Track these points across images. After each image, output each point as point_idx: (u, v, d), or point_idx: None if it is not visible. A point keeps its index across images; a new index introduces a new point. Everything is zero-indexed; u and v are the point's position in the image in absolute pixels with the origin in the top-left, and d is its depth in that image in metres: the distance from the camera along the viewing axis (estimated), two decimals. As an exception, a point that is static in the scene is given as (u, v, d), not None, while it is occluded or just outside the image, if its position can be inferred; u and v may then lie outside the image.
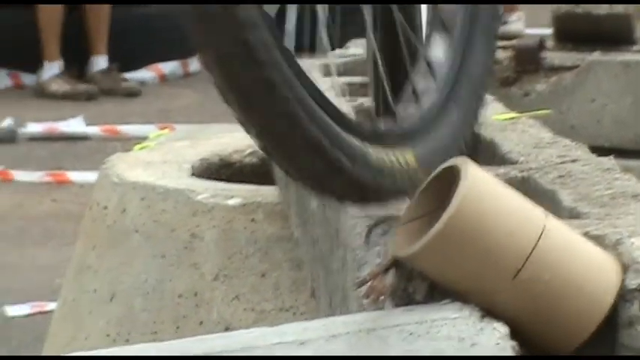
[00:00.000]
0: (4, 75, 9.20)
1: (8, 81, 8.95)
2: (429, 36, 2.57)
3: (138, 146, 3.86)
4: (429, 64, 2.45)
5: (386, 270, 1.88)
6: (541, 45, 5.62)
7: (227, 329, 2.91)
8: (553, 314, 1.89)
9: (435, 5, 2.59)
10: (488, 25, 2.55)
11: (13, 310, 4.70)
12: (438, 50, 2.56)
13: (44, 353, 3.49)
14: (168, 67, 9.65)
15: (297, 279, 3.02)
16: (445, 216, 1.81)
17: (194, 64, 9.59)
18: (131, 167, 3.51)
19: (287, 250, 3.08)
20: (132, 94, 9.09)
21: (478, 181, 1.87)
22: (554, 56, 5.73)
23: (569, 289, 1.87)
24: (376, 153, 2.08)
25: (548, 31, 5.97)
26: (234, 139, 3.65)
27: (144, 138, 4.63)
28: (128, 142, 5.24)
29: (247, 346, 1.86)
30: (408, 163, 2.23)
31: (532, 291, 1.86)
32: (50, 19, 8.77)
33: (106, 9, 8.99)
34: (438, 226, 1.81)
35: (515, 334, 1.83)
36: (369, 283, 1.89)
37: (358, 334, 1.85)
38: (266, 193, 3.24)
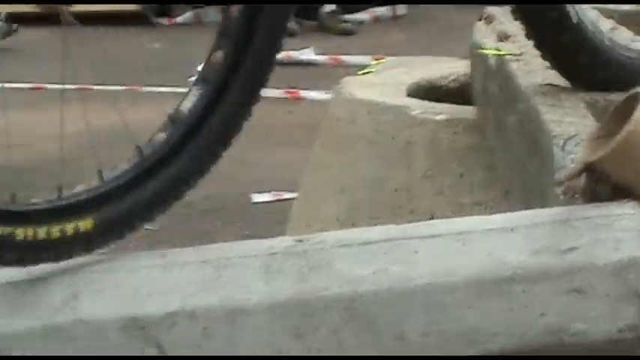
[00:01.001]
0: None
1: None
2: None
3: (361, 71, 3.86)
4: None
5: (579, 173, 1.89)
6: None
7: (431, 218, 2.91)
8: None
9: None
10: None
11: (258, 197, 4.78)
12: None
13: (287, 233, 3.46)
14: (380, 10, 9.54)
15: (489, 180, 3.01)
16: (626, 128, 1.83)
17: (401, 9, 9.63)
18: (358, 88, 3.51)
19: (480, 157, 3.06)
20: (348, 32, 9.03)
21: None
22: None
23: None
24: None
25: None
26: (439, 68, 3.65)
27: (361, 66, 4.59)
28: (348, 69, 5.20)
29: (465, 230, 1.87)
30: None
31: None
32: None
33: None
34: (621, 135, 1.84)
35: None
36: (565, 184, 1.91)
37: (555, 224, 1.87)
38: (465, 111, 3.22)
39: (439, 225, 1.98)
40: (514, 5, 2.48)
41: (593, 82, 2.44)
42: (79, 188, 1.83)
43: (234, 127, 1.91)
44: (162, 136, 1.87)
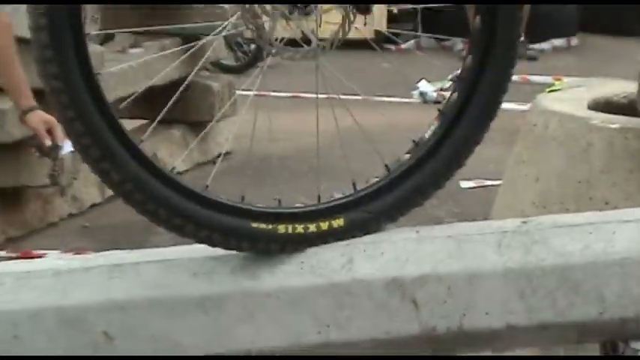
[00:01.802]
0: (459, 42, 8.74)
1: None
2: None
3: (548, 89, 3.81)
4: None
5: None
6: None
7: (606, 204, 2.85)
8: None
9: None
10: None
11: (465, 184, 4.70)
12: None
13: (492, 216, 3.44)
14: (558, 41, 9.26)
15: None
16: None
17: (574, 40, 9.34)
18: (550, 102, 3.44)
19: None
20: (532, 58, 8.78)
21: None
22: None
23: None
24: None
25: None
26: (612, 88, 3.55)
27: (543, 84, 4.51)
28: (533, 87, 5.11)
29: None
30: None
31: None
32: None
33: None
34: None
35: None
36: None
37: None
38: (635, 122, 3.10)
39: (633, 212, 1.93)
40: None
41: None
42: (335, 195, 1.85)
43: (467, 151, 1.89)
44: (407, 156, 1.86)
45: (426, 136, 1.84)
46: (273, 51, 1.74)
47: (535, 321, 1.78)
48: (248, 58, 7.78)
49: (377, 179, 1.85)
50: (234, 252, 1.78)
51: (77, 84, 1.56)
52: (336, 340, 1.77)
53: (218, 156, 5.34)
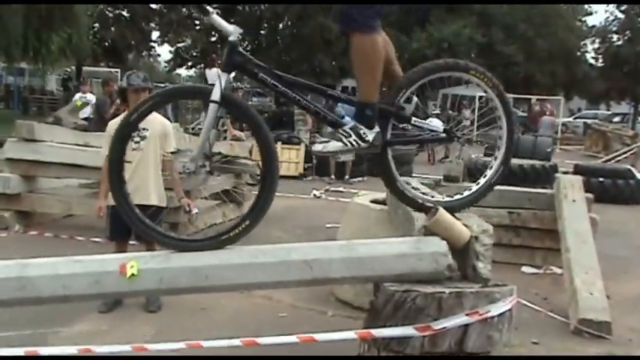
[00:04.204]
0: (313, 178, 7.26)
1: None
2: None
3: (356, 196, 3.54)
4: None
5: (421, 229, 1.72)
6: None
7: (376, 236, 2.10)
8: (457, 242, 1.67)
9: None
10: None
11: (327, 225, 4.13)
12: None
13: (337, 238, 2.95)
14: (359, 178, 7.68)
15: (389, 228, 2.68)
16: (433, 219, 1.68)
17: (365, 179, 7.61)
18: (357, 199, 3.37)
19: (387, 221, 2.82)
20: (350, 184, 7.31)
21: (443, 212, 1.71)
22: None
23: (461, 236, 1.68)
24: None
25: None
26: (378, 195, 3.37)
27: (354, 193, 4.06)
28: (351, 195, 4.42)
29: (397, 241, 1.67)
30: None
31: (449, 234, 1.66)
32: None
33: None
34: (430, 221, 1.68)
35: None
36: (418, 231, 1.74)
37: (415, 240, 1.66)
38: (385, 208, 2.99)
39: (371, 240, 1.72)
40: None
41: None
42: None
43: (264, 212, 1.63)
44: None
45: (251, 205, 1.62)
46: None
47: (349, 275, 1.59)
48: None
49: (235, 221, 1.60)
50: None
51: (122, 196, 1.50)
52: (286, 280, 1.60)
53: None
